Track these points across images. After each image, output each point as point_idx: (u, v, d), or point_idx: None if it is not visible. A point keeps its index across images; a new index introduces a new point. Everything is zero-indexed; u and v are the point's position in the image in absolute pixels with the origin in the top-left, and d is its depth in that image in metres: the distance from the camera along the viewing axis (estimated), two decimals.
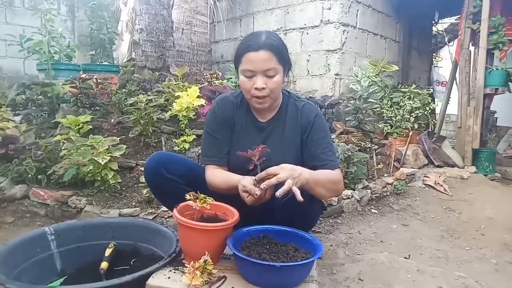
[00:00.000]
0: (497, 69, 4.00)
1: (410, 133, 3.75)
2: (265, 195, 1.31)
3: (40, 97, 3.37)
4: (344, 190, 2.72)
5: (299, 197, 1.24)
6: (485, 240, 2.32)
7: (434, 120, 4.59)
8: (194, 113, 3.13)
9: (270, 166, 1.46)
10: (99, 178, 2.33)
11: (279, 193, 1.23)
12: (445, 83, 5.44)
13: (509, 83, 4.05)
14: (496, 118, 5.93)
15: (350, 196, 2.67)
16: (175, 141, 2.99)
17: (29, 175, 2.41)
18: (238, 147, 1.56)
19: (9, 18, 5.34)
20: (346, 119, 3.85)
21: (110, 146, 2.39)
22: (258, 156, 1.43)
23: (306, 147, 1.55)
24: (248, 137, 1.58)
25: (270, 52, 1.40)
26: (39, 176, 2.43)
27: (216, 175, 1.53)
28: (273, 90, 1.45)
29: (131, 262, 1.53)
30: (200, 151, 2.76)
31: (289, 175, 1.27)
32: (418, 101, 4.07)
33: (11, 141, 2.60)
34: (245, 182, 1.33)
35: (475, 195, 3.18)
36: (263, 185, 1.28)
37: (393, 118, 4.03)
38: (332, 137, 3.45)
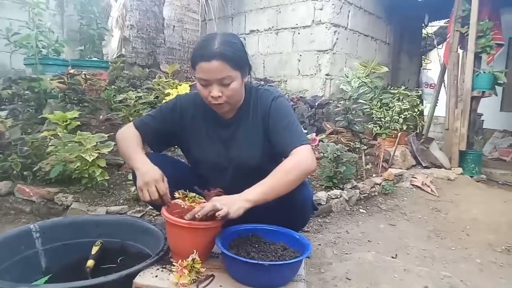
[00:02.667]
0: (484, 72, 4.06)
1: (399, 134, 3.79)
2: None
3: (27, 92, 3.30)
4: (331, 190, 2.73)
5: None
6: (470, 240, 2.36)
7: (422, 122, 4.64)
8: None
9: (241, 162, 1.52)
10: (86, 175, 2.30)
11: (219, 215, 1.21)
12: (433, 85, 5.51)
13: (496, 86, 4.12)
14: (483, 120, 6.04)
15: (338, 196, 2.68)
16: None
17: (14, 171, 2.36)
18: (207, 144, 1.56)
19: None
20: (336, 119, 3.87)
21: (98, 143, 2.35)
22: (212, 196, 1.35)
23: (270, 133, 1.48)
24: (214, 134, 1.56)
25: (223, 61, 1.33)
26: (24, 173, 2.39)
27: (130, 136, 1.50)
28: (230, 96, 1.40)
29: (118, 260, 1.51)
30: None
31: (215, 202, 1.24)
32: (407, 103, 4.12)
33: None
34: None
35: (461, 196, 3.23)
36: (187, 216, 1.24)
37: (382, 119, 4.07)
38: (322, 136, 3.48)
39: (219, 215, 1.20)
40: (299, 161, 1.36)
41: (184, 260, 1.19)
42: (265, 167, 1.38)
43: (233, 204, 1.23)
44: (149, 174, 1.34)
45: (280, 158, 1.44)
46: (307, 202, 1.53)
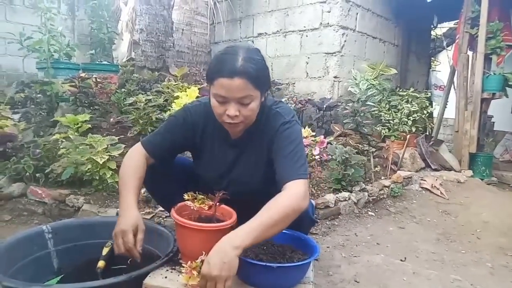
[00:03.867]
0: (494, 74, 4.02)
1: (408, 137, 3.77)
2: None
3: (39, 95, 3.37)
4: (340, 192, 2.73)
5: None
6: (481, 243, 2.33)
7: (431, 124, 4.61)
8: None
9: (241, 185, 1.46)
10: (97, 177, 2.34)
11: None
12: (443, 87, 5.46)
13: (506, 88, 4.08)
14: (493, 122, 5.98)
15: (347, 198, 2.68)
16: None
17: (27, 173, 2.41)
18: (210, 160, 1.51)
19: (9, 16, 5.34)
20: (344, 121, 3.86)
21: (109, 146, 2.39)
22: (217, 201, 1.34)
23: (272, 158, 1.38)
24: (220, 152, 1.49)
25: (246, 80, 1.23)
26: (37, 175, 2.43)
27: (133, 166, 1.41)
28: (247, 117, 1.30)
29: (128, 262, 1.52)
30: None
31: (213, 284, 1.09)
32: (416, 105, 4.10)
33: (10, 139, 2.60)
34: (121, 229, 1.28)
35: (471, 199, 3.20)
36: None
37: (391, 121, 4.05)
38: (330, 139, 3.47)
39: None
40: (290, 201, 1.21)
41: (193, 262, 1.20)
42: (266, 190, 1.29)
43: (222, 258, 1.10)
44: (121, 223, 1.29)
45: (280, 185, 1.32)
46: (304, 217, 1.40)
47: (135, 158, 1.43)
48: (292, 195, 1.23)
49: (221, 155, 1.48)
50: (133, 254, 1.29)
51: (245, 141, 1.45)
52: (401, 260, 1.97)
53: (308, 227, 1.66)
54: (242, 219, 1.24)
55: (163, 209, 2.12)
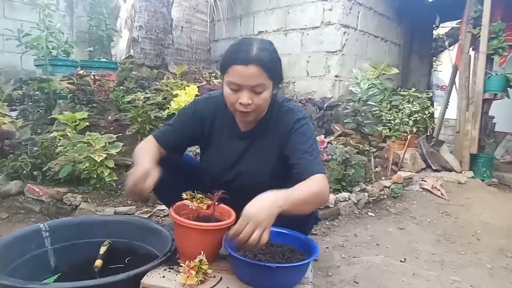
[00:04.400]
0: (496, 74, 4.01)
1: (409, 137, 3.75)
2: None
3: (37, 92, 3.34)
4: (339, 192, 2.72)
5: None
6: (481, 245, 2.32)
7: (432, 124, 4.59)
8: None
9: (248, 178, 1.45)
10: (95, 176, 2.32)
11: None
12: (444, 87, 5.45)
13: (508, 88, 4.06)
14: (495, 123, 5.95)
15: (347, 199, 2.66)
16: None
17: (25, 171, 2.39)
18: (217, 153, 1.51)
19: (7, 13, 5.31)
20: (345, 121, 3.84)
21: (107, 144, 2.37)
22: (216, 200, 1.33)
23: (288, 155, 1.41)
24: (228, 144, 1.50)
25: (260, 68, 1.27)
26: (34, 172, 2.41)
27: (146, 147, 1.41)
28: (259, 106, 1.33)
29: (126, 261, 1.52)
30: (197, 150, 2.75)
31: (253, 227, 1.10)
32: (417, 105, 4.08)
33: (7, 137, 2.58)
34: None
35: (472, 200, 3.19)
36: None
37: (392, 121, 4.04)
38: (330, 139, 3.45)
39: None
40: (323, 191, 1.31)
41: (191, 261, 1.18)
42: (273, 184, 1.27)
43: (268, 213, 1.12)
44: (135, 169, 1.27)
45: (289, 181, 1.33)
46: (308, 216, 1.44)
47: (149, 146, 1.43)
48: (321, 185, 1.31)
49: (229, 147, 1.49)
50: (142, 194, 1.27)
51: (255, 133, 1.48)
52: (401, 261, 1.95)
53: (312, 225, 1.65)
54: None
55: (161, 208, 2.11)
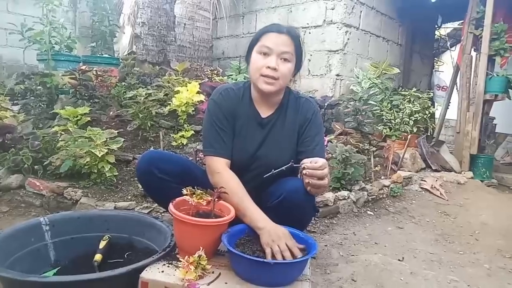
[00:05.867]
0: (497, 75, 4.01)
1: (409, 137, 3.75)
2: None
3: (39, 87, 3.35)
4: (339, 191, 2.72)
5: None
6: (479, 245, 2.33)
7: (433, 124, 4.60)
8: (193, 109, 3.12)
9: (267, 163, 1.49)
10: (95, 171, 2.33)
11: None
12: (445, 87, 5.44)
13: (509, 89, 4.06)
14: (495, 124, 5.93)
15: (346, 197, 2.67)
16: (173, 136, 2.99)
17: (26, 165, 2.39)
18: (239, 142, 1.55)
19: (11, 7, 5.31)
20: (345, 120, 3.85)
21: (108, 139, 2.38)
22: (215, 197, 1.35)
23: (299, 142, 1.57)
24: (250, 132, 1.56)
25: (291, 39, 1.44)
26: (35, 167, 2.42)
27: (232, 184, 1.43)
28: (283, 75, 1.45)
29: (125, 255, 1.52)
30: (198, 146, 2.76)
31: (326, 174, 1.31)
32: (418, 105, 4.08)
33: (9, 131, 2.59)
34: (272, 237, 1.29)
35: (471, 200, 3.19)
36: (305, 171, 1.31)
37: (392, 121, 4.04)
38: (331, 137, 3.46)
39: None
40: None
41: (190, 257, 1.19)
42: (291, 168, 1.39)
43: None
44: (273, 230, 1.31)
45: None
46: (309, 204, 1.49)
47: (226, 177, 1.45)
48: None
49: (251, 134, 1.56)
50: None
51: (274, 119, 1.58)
52: (399, 260, 1.96)
53: (311, 215, 1.69)
54: (263, 201, 1.44)
55: None
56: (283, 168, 1.36)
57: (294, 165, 1.36)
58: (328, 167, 1.31)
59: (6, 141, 2.55)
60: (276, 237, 1.28)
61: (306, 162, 1.31)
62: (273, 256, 1.25)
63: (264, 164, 1.51)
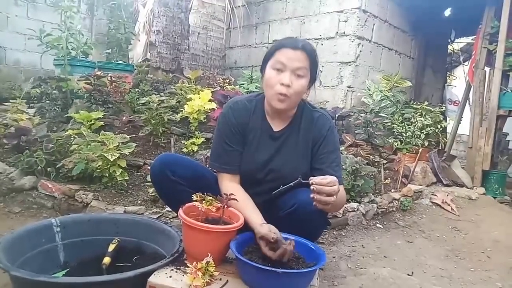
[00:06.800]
0: (511, 91, 3.96)
1: (420, 150, 3.71)
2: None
3: (54, 91, 3.42)
4: (348, 203, 2.70)
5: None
6: (491, 262, 2.28)
7: (445, 139, 4.55)
8: (204, 116, 3.15)
9: (282, 177, 1.48)
10: (107, 175, 2.35)
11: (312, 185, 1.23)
12: (457, 102, 5.40)
13: None
14: (509, 141, 5.85)
15: (355, 209, 2.65)
16: (184, 143, 3.01)
17: (39, 167, 2.43)
18: (250, 154, 1.55)
19: (31, 13, 5.45)
20: (356, 131, 3.83)
21: (120, 144, 2.41)
22: (225, 204, 1.37)
23: (314, 159, 1.54)
24: (261, 146, 1.56)
25: (306, 55, 1.42)
26: (48, 169, 2.46)
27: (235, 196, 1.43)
28: (296, 92, 1.43)
29: (133, 259, 1.53)
30: (208, 154, 2.77)
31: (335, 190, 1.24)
32: (429, 119, 4.05)
33: (24, 133, 2.65)
34: (264, 230, 1.28)
35: (482, 216, 3.13)
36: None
37: (404, 134, 4.01)
38: (341, 148, 3.45)
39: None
40: (343, 199, 1.48)
41: (198, 263, 1.20)
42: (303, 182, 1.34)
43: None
44: (264, 228, 1.32)
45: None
46: (321, 216, 1.47)
47: (230, 190, 1.44)
48: (343, 194, 1.45)
49: (263, 147, 1.56)
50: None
51: (287, 132, 1.57)
52: (408, 275, 1.93)
53: (323, 228, 1.69)
54: (275, 211, 1.43)
55: (170, 209, 2.12)
56: (291, 184, 1.34)
57: (303, 181, 1.31)
58: (338, 185, 1.24)
59: (21, 143, 2.60)
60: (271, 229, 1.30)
61: (315, 178, 1.26)
62: (279, 261, 1.24)
63: (279, 177, 1.50)
